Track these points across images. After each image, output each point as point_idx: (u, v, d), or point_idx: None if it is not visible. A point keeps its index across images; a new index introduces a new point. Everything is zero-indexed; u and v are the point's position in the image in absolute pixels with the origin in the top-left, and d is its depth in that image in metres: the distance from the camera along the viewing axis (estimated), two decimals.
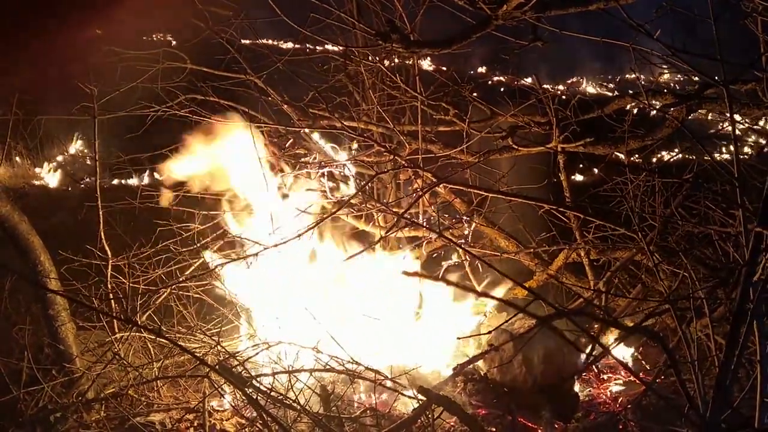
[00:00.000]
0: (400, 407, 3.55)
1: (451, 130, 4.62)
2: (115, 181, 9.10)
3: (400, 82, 4.27)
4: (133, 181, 9.01)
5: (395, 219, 4.00)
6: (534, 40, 3.55)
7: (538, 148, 4.10)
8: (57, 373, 3.56)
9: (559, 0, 3.48)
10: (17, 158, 9.40)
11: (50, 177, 10.07)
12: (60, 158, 10.32)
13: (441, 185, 4.29)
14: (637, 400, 3.36)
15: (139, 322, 3.74)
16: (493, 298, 1.03)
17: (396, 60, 4.94)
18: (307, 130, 4.52)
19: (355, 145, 4.71)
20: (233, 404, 3.47)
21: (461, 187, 4.24)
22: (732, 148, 1.99)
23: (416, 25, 4.73)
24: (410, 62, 4.59)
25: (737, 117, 4.11)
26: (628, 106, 4.46)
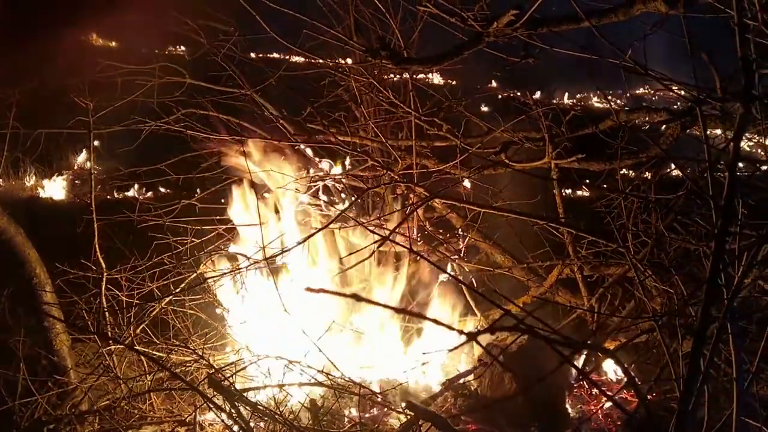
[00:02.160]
0: (392, 422, 3.55)
1: (448, 146, 4.64)
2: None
3: (392, 98, 4.30)
4: (132, 194, 9.12)
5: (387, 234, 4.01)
6: (526, 56, 3.56)
7: (531, 163, 4.11)
8: (52, 385, 3.59)
9: (550, 17, 3.49)
10: (22, 170, 9.53)
11: (56, 189, 10.19)
12: (66, 171, 10.44)
13: (436, 200, 4.31)
14: (626, 417, 3.35)
15: (132, 335, 3.77)
16: (411, 314, 1.04)
17: (398, 76, 4.98)
18: (303, 146, 4.56)
19: (348, 161, 4.74)
20: (224, 419, 3.48)
21: (454, 202, 4.25)
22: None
23: (414, 42, 4.78)
24: (414, 77, 4.62)
25: (729, 134, 4.10)
26: (639, 121, 4.46)
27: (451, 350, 2.87)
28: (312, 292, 1.00)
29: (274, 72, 4.84)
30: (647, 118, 4.18)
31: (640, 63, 2.86)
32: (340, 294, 1.00)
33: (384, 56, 3.16)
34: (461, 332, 1.02)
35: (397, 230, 3.41)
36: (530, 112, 4.15)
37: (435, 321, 1.05)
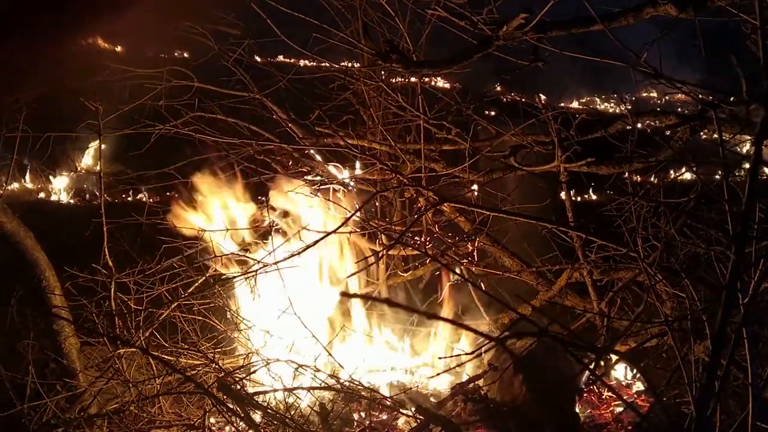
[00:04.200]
0: (401, 425, 3.55)
1: (456, 149, 4.64)
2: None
3: (401, 101, 4.30)
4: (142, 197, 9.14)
5: (397, 238, 4.01)
6: (534, 60, 3.56)
7: (540, 167, 4.11)
8: (61, 388, 3.60)
9: (560, 21, 3.49)
10: (31, 174, 9.56)
11: (64, 193, 10.22)
12: (73, 174, 10.46)
13: (445, 204, 4.30)
14: (638, 422, 3.34)
15: (141, 339, 3.77)
16: (444, 320, 1.04)
17: (404, 79, 4.98)
18: (312, 150, 4.57)
19: (358, 164, 4.73)
20: (233, 422, 3.48)
21: (463, 206, 4.25)
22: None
23: (422, 45, 4.78)
24: (423, 81, 4.61)
25: (746, 137, 4.09)
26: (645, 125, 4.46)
27: (473, 354, 2.84)
28: (346, 297, 1.00)
29: (283, 75, 4.84)
30: (656, 122, 4.17)
31: (651, 66, 2.86)
32: (372, 299, 0.99)
33: (394, 59, 3.15)
34: (490, 337, 1.01)
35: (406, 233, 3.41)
36: (539, 116, 4.14)
37: (465, 326, 1.04)
